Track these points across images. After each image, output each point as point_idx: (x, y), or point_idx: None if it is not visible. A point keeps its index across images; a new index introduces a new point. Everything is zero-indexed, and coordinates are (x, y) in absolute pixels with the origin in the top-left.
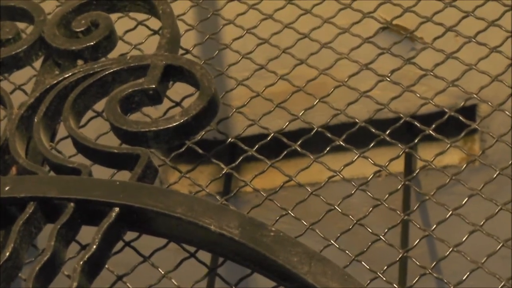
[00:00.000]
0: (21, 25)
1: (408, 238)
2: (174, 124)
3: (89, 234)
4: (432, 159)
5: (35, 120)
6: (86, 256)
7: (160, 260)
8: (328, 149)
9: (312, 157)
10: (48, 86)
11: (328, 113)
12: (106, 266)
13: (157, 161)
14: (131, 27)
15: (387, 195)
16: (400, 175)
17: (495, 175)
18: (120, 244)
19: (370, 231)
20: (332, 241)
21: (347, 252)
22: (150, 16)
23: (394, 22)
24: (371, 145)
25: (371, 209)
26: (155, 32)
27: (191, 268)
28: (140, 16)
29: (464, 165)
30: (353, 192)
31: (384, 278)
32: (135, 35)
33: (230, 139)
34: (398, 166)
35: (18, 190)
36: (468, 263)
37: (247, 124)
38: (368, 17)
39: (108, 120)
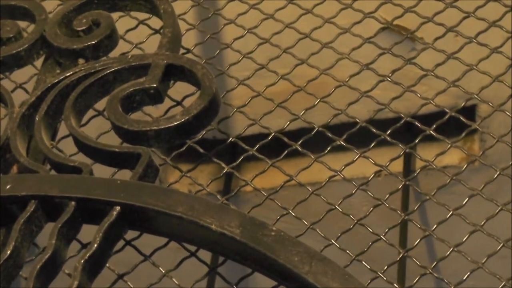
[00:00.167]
0: (22, 23)
1: (407, 237)
2: (175, 123)
3: (90, 233)
4: (433, 159)
5: (36, 118)
6: (87, 255)
7: (161, 259)
8: (328, 149)
9: (312, 156)
10: (49, 85)
11: (328, 113)
12: (107, 265)
13: (158, 160)
14: (132, 26)
15: (387, 195)
16: (399, 175)
17: (495, 176)
18: (121, 243)
19: (371, 231)
20: (333, 240)
21: (347, 252)
22: (151, 15)
23: (395, 22)
24: (372, 145)
25: (371, 209)
26: (156, 32)
27: (192, 267)
28: (141, 15)
29: (465, 166)
30: (353, 192)
31: (385, 278)
32: (136, 34)
33: (231, 139)
34: (397, 165)
35: (19, 188)
36: (467, 263)
37: (248, 124)
38: (369, 17)
39: (109, 119)
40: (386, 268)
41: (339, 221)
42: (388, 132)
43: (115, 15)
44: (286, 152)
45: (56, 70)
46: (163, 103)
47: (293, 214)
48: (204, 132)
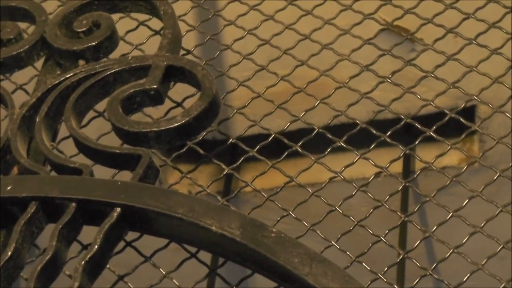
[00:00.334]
0: (22, 25)
1: (406, 238)
2: (176, 124)
3: (90, 234)
4: (432, 161)
5: (37, 120)
6: (88, 256)
7: (161, 260)
8: (328, 150)
9: (312, 158)
10: (49, 86)
11: (328, 113)
12: (108, 266)
13: (158, 161)
14: (132, 28)
15: (387, 196)
16: (398, 175)
17: (495, 177)
18: (121, 244)
19: (371, 232)
20: (333, 242)
21: (347, 253)
22: (151, 17)
23: (395, 23)
24: (372, 146)
25: (372, 210)
26: (156, 33)
27: (192, 268)
28: (142, 17)
29: (465, 167)
30: (353, 193)
31: (385, 280)
32: (136, 36)
33: (231, 140)
34: (396, 166)
35: (20, 190)
36: (467, 264)
37: (248, 124)
38: (368, 18)
39: (110, 121)
40: (386, 270)
41: (338, 221)
42: (388, 134)
43: (115, 16)
44: (286, 153)
45: (56, 71)
46: (163, 104)
47: (293, 215)
48: (204, 133)
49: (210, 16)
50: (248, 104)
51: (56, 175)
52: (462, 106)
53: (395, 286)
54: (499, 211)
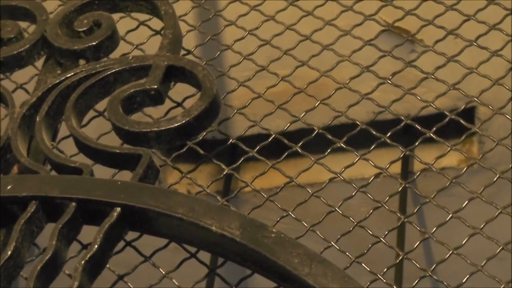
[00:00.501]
0: (23, 24)
1: (404, 239)
2: (176, 124)
3: (90, 234)
4: (432, 162)
5: (37, 119)
6: (88, 256)
7: (161, 260)
8: (328, 151)
9: (312, 158)
10: (50, 86)
11: (328, 114)
12: (107, 265)
13: (158, 161)
14: (133, 27)
15: (387, 197)
16: (397, 176)
17: (495, 179)
18: (121, 243)
19: (371, 233)
20: (332, 242)
21: (347, 253)
22: (152, 17)
23: (396, 24)
24: (372, 147)
25: (371, 211)
26: (157, 33)
27: (191, 268)
28: (142, 17)
29: (465, 169)
30: (353, 194)
31: (384, 280)
32: (137, 35)
33: (231, 140)
34: (395, 166)
35: (20, 189)
36: (466, 266)
37: (248, 125)
38: (369, 19)
39: (110, 120)
40: (386, 271)
41: (338, 221)
42: (388, 135)
43: (116, 16)
44: (286, 153)
45: (57, 70)
46: (163, 104)
47: (293, 216)
48: (204, 133)
49: (210, 16)
50: (248, 104)
51: (56, 175)
52: (462, 108)
53: (394, 287)
54: (499, 212)
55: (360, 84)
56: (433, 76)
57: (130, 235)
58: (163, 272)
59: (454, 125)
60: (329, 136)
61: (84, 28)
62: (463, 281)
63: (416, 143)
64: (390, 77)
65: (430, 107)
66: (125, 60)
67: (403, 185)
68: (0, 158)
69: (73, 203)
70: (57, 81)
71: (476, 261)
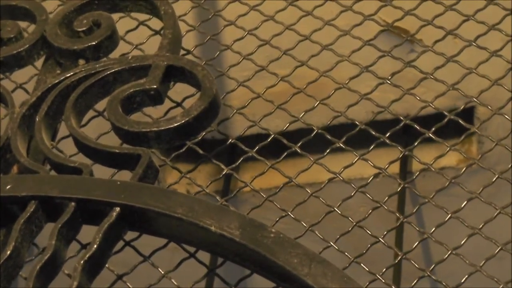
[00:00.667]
0: (23, 24)
1: (403, 239)
2: (175, 124)
3: (89, 234)
4: (431, 162)
5: (37, 119)
6: (87, 256)
7: (160, 260)
8: (328, 151)
9: (311, 158)
10: (49, 85)
11: (327, 114)
12: (107, 265)
13: (157, 161)
14: (132, 27)
15: (386, 197)
16: (396, 176)
17: (494, 179)
18: (120, 243)
19: (370, 233)
20: (331, 242)
21: (346, 254)
22: (151, 17)
23: (395, 24)
24: (371, 147)
25: (370, 211)
26: (156, 33)
27: (191, 268)
28: (142, 16)
29: (464, 169)
30: (352, 194)
31: (383, 280)
32: (136, 35)
33: (230, 140)
34: (394, 166)
35: (19, 189)
36: (465, 266)
37: (247, 125)
38: (368, 19)
39: (110, 120)
40: (385, 271)
41: (337, 221)
42: (387, 135)
43: (115, 16)
44: (285, 154)
45: (56, 70)
46: (163, 104)
47: (292, 216)
48: (204, 133)
49: (210, 16)
50: (247, 104)
51: (56, 175)
52: (461, 108)
53: (393, 287)
54: (498, 212)
55: (359, 84)
56: (432, 76)
57: (130, 235)
58: (162, 272)
59: (453, 125)
60: (328, 136)
61: (84, 28)
62: (462, 281)
63: (415, 143)
64: (389, 77)
65: (429, 107)
66: (124, 60)
67: (402, 185)
68: (0, 158)
69: (73, 203)
70: (57, 81)
71: (475, 261)
